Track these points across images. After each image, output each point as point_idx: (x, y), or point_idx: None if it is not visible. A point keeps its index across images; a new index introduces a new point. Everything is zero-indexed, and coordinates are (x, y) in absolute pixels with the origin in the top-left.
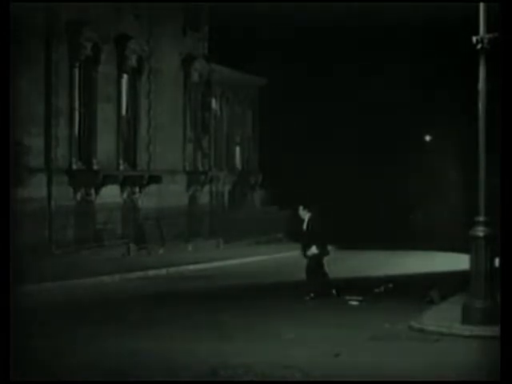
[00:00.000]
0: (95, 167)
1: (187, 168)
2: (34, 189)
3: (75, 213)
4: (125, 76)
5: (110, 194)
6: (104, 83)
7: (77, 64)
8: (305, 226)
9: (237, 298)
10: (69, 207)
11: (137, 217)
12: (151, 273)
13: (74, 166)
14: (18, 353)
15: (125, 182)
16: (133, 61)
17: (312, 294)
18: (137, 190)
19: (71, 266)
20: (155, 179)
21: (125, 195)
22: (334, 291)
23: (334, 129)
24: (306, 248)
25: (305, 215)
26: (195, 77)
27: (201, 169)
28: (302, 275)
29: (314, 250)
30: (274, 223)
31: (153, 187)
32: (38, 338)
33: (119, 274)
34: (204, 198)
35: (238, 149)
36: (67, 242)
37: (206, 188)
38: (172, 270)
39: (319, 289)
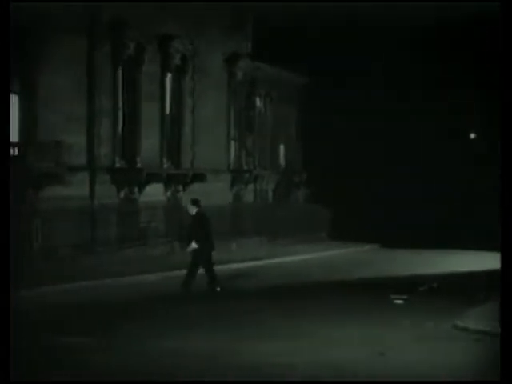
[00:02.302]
0: (139, 166)
1: (231, 166)
2: (77, 187)
3: (118, 211)
4: (169, 75)
5: (154, 192)
6: (148, 82)
7: (120, 63)
8: (191, 222)
9: (280, 297)
10: (112, 205)
11: (181, 215)
12: None
13: (118, 165)
14: (50, 351)
15: (169, 181)
16: (177, 60)
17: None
18: (180, 188)
19: (114, 265)
20: (199, 178)
21: (169, 194)
22: (218, 288)
23: (378, 128)
24: (188, 242)
25: (192, 211)
26: (239, 75)
27: (245, 167)
28: (344, 274)
29: (193, 245)
30: (318, 222)
31: (197, 186)
32: (80, 336)
33: (163, 273)
34: (248, 196)
35: (282, 147)
36: (110, 241)
37: (250, 186)
38: (215, 268)
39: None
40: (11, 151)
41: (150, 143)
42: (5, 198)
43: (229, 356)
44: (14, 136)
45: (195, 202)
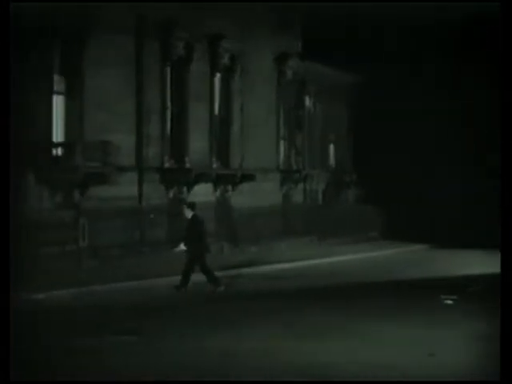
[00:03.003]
0: (187, 165)
1: (281, 166)
2: (125, 187)
3: (167, 211)
4: (217, 75)
5: (203, 192)
6: (196, 82)
7: (168, 63)
8: (186, 224)
9: (330, 297)
10: (160, 206)
11: (230, 215)
12: (244, 271)
13: (166, 165)
14: (98, 350)
15: (217, 181)
16: (226, 59)
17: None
18: (230, 188)
19: (161, 265)
20: (248, 177)
21: (217, 194)
22: (221, 288)
23: (428, 128)
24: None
25: (188, 214)
26: (289, 75)
27: (294, 167)
28: (394, 274)
29: (181, 246)
30: (368, 222)
31: (246, 185)
32: (126, 335)
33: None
34: (297, 196)
35: (331, 147)
36: (158, 241)
37: (300, 186)
38: (265, 268)
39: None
40: (57, 152)
41: (198, 143)
42: (5, 198)
43: (280, 355)
44: (61, 136)
45: (191, 206)
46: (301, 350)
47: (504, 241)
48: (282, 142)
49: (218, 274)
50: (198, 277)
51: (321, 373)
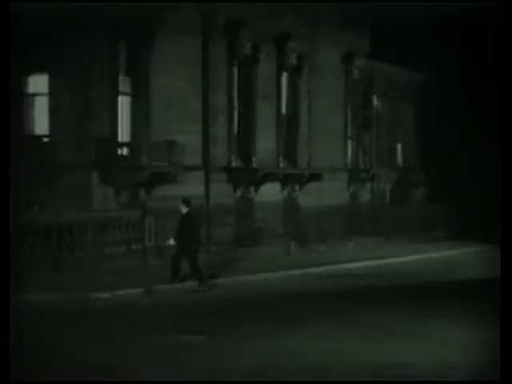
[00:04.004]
0: (254, 165)
1: (348, 166)
2: (192, 187)
3: (234, 210)
4: (284, 74)
5: (270, 191)
6: (263, 81)
7: (235, 63)
8: (180, 220)
9: (397, 297)
10: (227, 205)
11: (297, 214)
12: (311, 271)
13: (233, 164)
14: (167, 350)
15: (285, 180)
16: (293, 59)
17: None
18: (297, 187)
19: (229, 264)
20: (316, 177)
21: (285, 193)
22: (206, 287)
23: (495, 127)
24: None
25: (183, 210)
26: (356, 74)
27: (362, 166)
28: (460, 274)
29: (171, 241)
30: (436, 221)
31: (313, 185)
32: (194, 335)
33: (279, 272)
34: (365, 195)
35: (399, 146)
36: (225, 240)
37: (367, 186)
38: (333, 267)
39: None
40: (123, 151)
41: (265, 142)
42: (5, 198)
43: (350, 356)
44: (126, 136)
45: (186, 202)
46: (369, 350)
47: (504, 241)
48: (349, 142)
49: (284, 274)
50: (256, 277)
51: (390, 373)
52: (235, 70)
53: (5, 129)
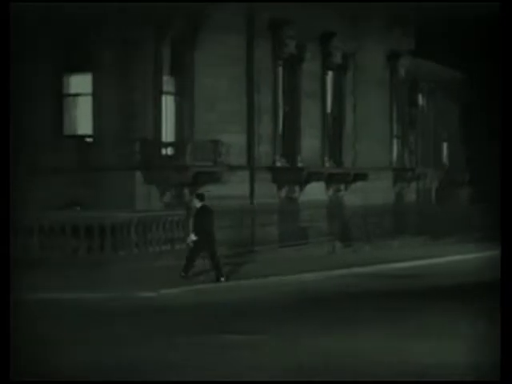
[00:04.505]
0: (299, 164)
1: (394, 165)
2: (236, 186)
3: (278, 210)
4: (329, 73)
5: (315, 191)
6: (308, 80)
7: (280, 62)
8: (194, 215)
9: (438, 296)
10: (272, 204)
11: (342, 214)
12: (356, 270)
13: (278, 164)
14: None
15: (330, 180)
16: (337, 58)
17: (183, 274)
18: (342, 187)
19: (273, 264)
20: (361, 176)
21: (330, 193)
22: (222, 278)
23: None
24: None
25: (197, 204)
26: (401, 73)
27: (407, 165)
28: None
29: (192, 237)
30: (482, 221)
31: (358, 184)
32: (240, 334)
33: (323, 272)
34: (410, 195)
35: (445, 145)
36: (270, 240)
37: (413, 185)
38: (378, 267)
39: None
40: (167, 151)
41: (310, 142)
42: (5, 199)
43: (396, 354)
44: (171, 136)
45: (200, 197)
46: (416, 349)
47: (504, 240)
48: (394, 140)
49: (329, 273)
50: (301, 277)
51: (439, 373)
52: (280, 69)
53: (5, 129)
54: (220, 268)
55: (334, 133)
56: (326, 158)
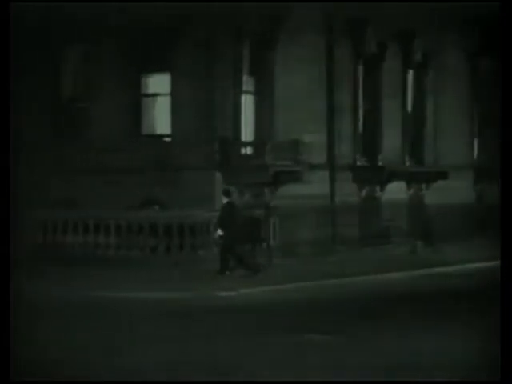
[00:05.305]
0: (380, 163)
1: (475, 164)
2: (317, 185)
3: (359, 209)
4: (410, 72)
5: (396, 190)
6: (389, 79)
7: (360, 61)
8: (221, 210)
9: None
10: (353, 204)
11: (423, 213)
12: (437, 270)
13: (358, 163)
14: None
15: (411, 179)
16: (418, 56)
17: (227, 272)
18: (423, 186)
19: (353, 263)
20: (441, 175)
21: (411, 192)
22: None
23: None
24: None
25: (223, 200)
26: (482, 71)
27: (488, 164)
28: None
29: (219, 232)
30: None
31: (439, 183)
32: (319, 334)
33: (404, 272)
34: (492, 194)
35: None
36: (350, 239)
37: (494, 184)
38: (459, 267)
39: (234, 264)
40: (247, 150)
41: (391, 141)
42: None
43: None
44: (250, 136)
45: (226, 193)
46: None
47: (504, 239)
48: (475, 140)
49: (410, 273)
50: (383, 276)
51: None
52: (360, 68)
53: (5, 130)
54: (245, 263)
55: (414, 131)
56: (407, 157)
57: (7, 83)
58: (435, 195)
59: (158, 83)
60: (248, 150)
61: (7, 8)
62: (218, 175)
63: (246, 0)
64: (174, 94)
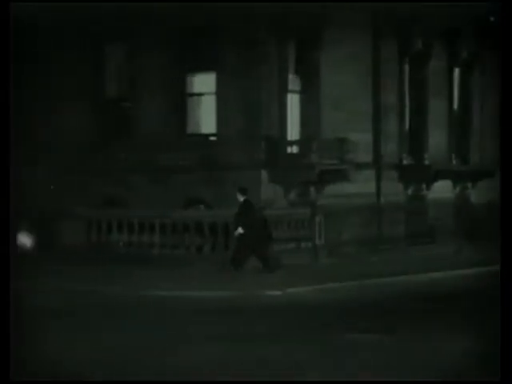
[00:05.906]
0: (426, 162)
1: None
2: (363, 184)
3: (405, 208)
4: (456, 70)
5: (442, 189)
6: (435, 78)
7: (406, 59)
8: (238, 209)
9: None
10: (399, 203)
11: (470, 213)
12: (480, 270)
13: (405, 162)
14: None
15: (457, 178)
16: (464, 54)
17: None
18: (469, 185)
19: (399, 263)
20: (488, 174)
21: (457, 190)
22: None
23: None
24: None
25: (240, 198)
26: None
27: None
28: None
29: (239, 230)
30: None
31: (485, 182)
32: (365, 333)
33: (448, 271)
34: None
35: None
36: (396, 238)
37: None
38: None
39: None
40: (292, 149)
41: (437, 139)
42: (5, 196)
43: None
44: (296, 134)
45: (242, 191)
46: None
47: (504, 239)
48: None
49: (455, 273)
50: (428, 276)
51: None
52: (406, 66)
53: (5, 130)
54: (264, 259)
55: (460, 130)
56: (453, 156)
57: (7, 83)
58: (482, 194)
59: (204, 82)
60: (294, 149)
61: (7, 8)
62: (264, 174)
63: (293, 0)
64: (220, 94)
